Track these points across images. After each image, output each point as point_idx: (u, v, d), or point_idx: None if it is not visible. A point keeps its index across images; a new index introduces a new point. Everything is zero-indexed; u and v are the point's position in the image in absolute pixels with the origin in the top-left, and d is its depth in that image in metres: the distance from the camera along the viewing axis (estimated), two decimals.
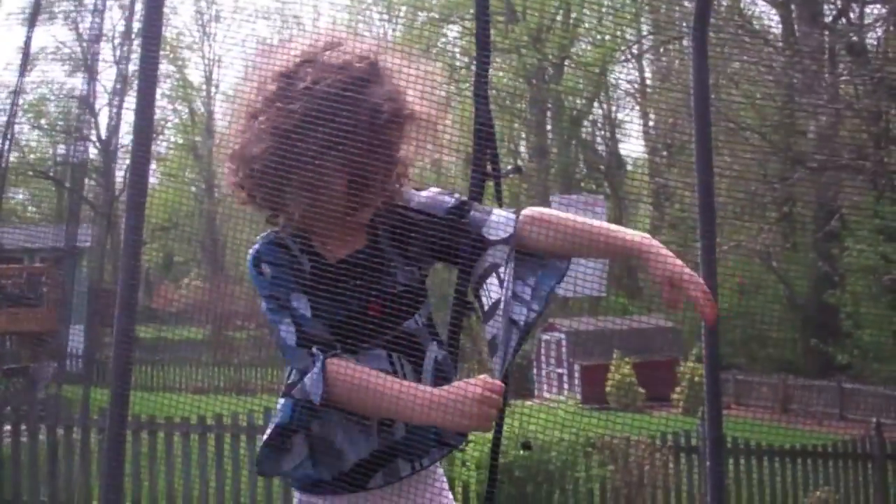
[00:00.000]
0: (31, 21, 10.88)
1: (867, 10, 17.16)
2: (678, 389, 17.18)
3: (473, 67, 2.19)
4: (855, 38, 14.45)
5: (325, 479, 1.79)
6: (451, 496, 1.95)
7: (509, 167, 2.17)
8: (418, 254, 1.85)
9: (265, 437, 1.81)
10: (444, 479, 1.96)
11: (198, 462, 7.48)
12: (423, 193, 1.88)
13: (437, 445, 1.86)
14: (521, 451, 7.32)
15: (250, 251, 1.80)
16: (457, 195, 1.89)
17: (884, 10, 15.14)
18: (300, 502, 1.86)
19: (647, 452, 8.08)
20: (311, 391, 1.69)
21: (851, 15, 17.68)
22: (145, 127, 2.54)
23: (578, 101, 23.76)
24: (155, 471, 7.49)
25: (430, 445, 1.84)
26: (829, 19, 17.56)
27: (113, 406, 2.40)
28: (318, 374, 1.68)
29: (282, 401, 1.80)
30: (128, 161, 2.86)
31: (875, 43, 15.63)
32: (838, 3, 17.56)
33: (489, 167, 2.10)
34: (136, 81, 3.24)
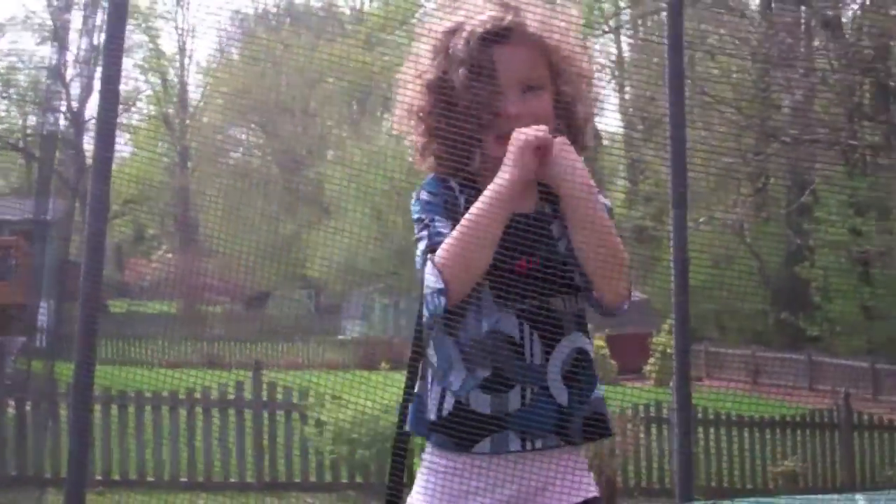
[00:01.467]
0: None
1: None
2: (650, 362, 17.31)
3: None
4: (830, 13, 14.46)
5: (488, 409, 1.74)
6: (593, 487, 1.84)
7: None
8: None
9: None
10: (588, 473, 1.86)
11: (169, 435, 7.46)
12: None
13: (558, 432, 1.78)
14: None
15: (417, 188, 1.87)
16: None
17: None
18: (433, 464, 1.78)
19: (619, 423, 8.13)
20: (434, 286, 1.70)
21: None
22: (112, 88, 2.49)
23: None
24: (125, 444, 7.46)
25: (550, 429, 1.77)
26: None
27: (78, 370, 2.36)
28: (431, 268, 1.71)
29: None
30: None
31: (850, 18, 15.66)
32: None
33: None
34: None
